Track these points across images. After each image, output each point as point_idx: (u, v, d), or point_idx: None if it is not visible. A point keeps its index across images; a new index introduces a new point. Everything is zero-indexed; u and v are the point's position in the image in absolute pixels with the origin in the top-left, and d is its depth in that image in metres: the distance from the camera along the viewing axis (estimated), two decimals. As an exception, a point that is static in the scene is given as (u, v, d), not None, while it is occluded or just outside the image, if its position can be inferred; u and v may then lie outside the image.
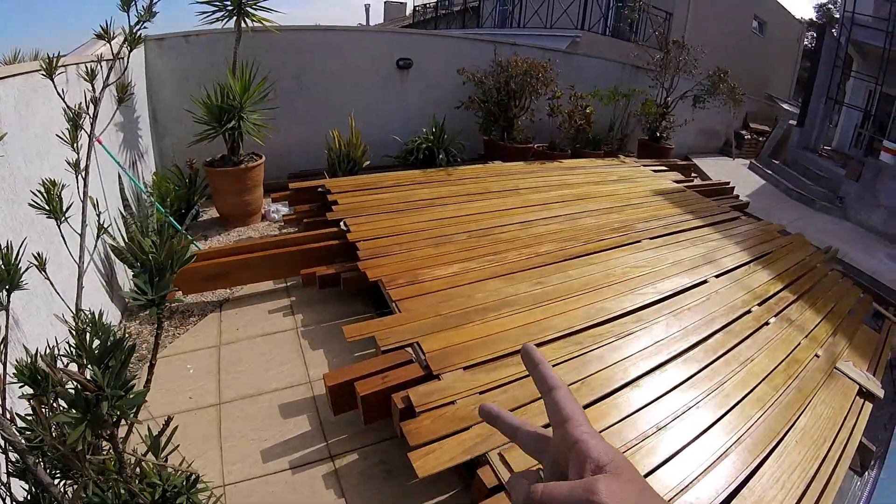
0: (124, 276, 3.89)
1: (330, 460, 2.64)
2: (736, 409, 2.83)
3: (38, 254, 1.50)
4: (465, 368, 2.76)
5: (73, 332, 0.98)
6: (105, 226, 1.91)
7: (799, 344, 3.61)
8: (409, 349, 2.91)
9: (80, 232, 1.73)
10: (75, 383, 0.85)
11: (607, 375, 2.91)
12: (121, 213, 3.78)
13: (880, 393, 3.40)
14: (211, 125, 5.21)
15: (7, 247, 1.20)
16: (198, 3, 5.23)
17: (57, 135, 1.85)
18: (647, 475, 2.28)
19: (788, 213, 8.81)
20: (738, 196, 7.73)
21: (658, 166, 7.97)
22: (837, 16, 12.47)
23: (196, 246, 4.60)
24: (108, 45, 2.07)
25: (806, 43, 23.64)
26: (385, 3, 28.57)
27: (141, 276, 0.97)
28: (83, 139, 1.90)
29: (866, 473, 3.16)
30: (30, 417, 1.06)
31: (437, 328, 3.10)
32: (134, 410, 0.84)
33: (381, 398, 2.56)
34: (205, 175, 5.37)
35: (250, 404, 2.99)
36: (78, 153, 1.84)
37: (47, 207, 1.51)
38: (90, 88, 2.05)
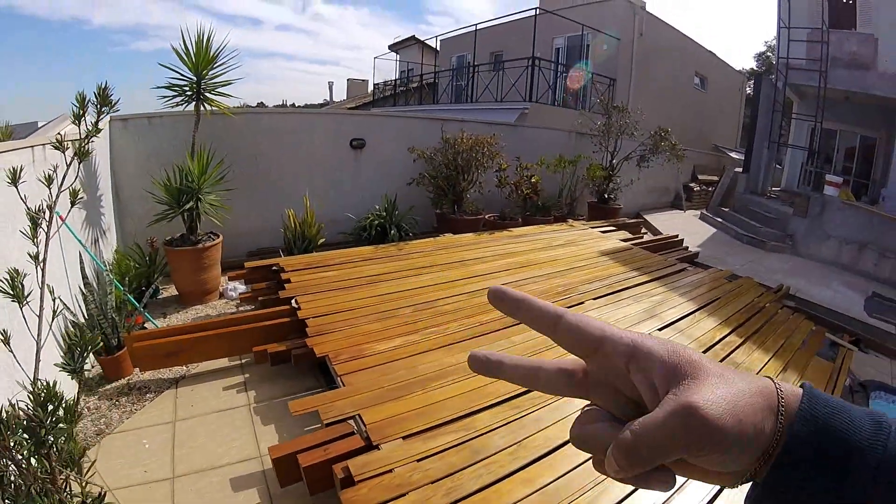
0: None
1: (278, 533, 2.76)
2: None
3: (3, 330, 1.69)
4: (403, 438, 2.94)
5: (30, 397, 1.19)
6: (58, 310, 2.10)
7: None
8: (351, 421, 3.08)
9: (38, 314, 1.92)
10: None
11: (546, 436, 3.05)
12: (81, 290, 3.94)
13: None
14: (170, 205, 5.44)
15: None
16: (159, 87, 5.55)
17: (20, 231, 2.06)
18: None
19: (740, 257, 9.23)
20: (687, 248, 8.14)
21: (606, 227, 8.39)
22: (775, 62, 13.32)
23: (153, 323, 4.74)
24: (62, 153, 2.31)
25: (748, 91, 25.00)
26: (348, 80, 29.64)
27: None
28: (39, 237, 2.12)
29: None
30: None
31: (378, 400, 3.28)
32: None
33: (323, 469, 2.71)
34: (164, 253, 5.55)
35: (202, 478, 3.10)
36: (37, 247, 2.06)
37: (12, 293, 1.71)
38: (48, 197, 2.28)
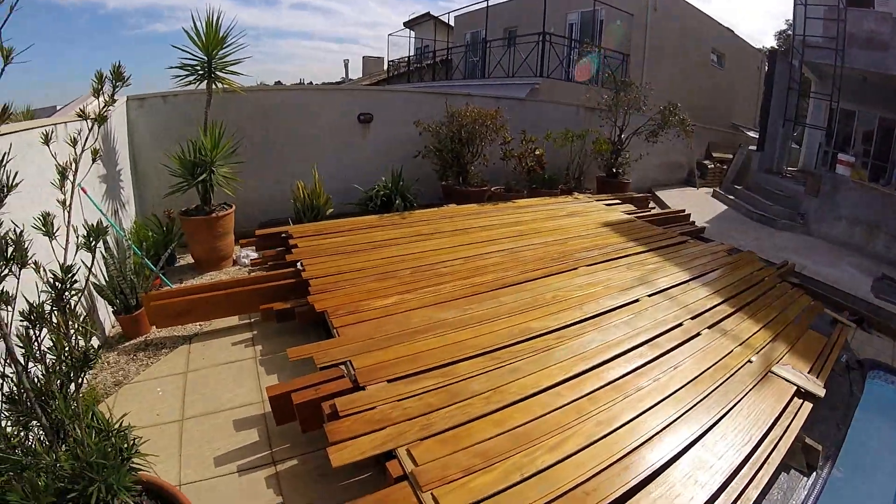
0: (105, 312, 4.39)
1: (273, 465, 3.05)
2: (650, 411, 3.10)
3: (36, 262, 2.00)
4: (388, 381, 3.24)
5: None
6: (80, 244, 2.40)
7: (731, 351, 3.90)
8: (343, 367, 3.40)
9: (64, 247, 2.24)
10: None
11: (522, 384, 3.29)
12: (102, 255, 4.29)
13: (820, 392, 3.60)
14: (185, 178, 5.77)
15: (17, 232, 1.69)
16: (172, 67, 5.86)
17: (51, 182, 2.38)
18: (546, 469, 2.61)
19: (749, 234, 9.20)
20: (693, 223, 8.23)
21: (612, 200, 8.51)
22: (796, 40, 13.05)
23: (169, 285, 5.09)
24: (85, 121, 2.61)
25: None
26: (363, 58, 29.86)
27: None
28: (67, 186, 2.43)
29: (815, 473, 3.26)
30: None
31: (369, 349, 3.59)
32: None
33: (313, 407, 3.03)
34: (180, 223, 5.90)
35: (208, 420, 3.44)
36: (65, 195, 2.37)
37: (44, 229, 2.02)
38: (73, 152, 2.60)
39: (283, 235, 5.84)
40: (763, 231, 9.81)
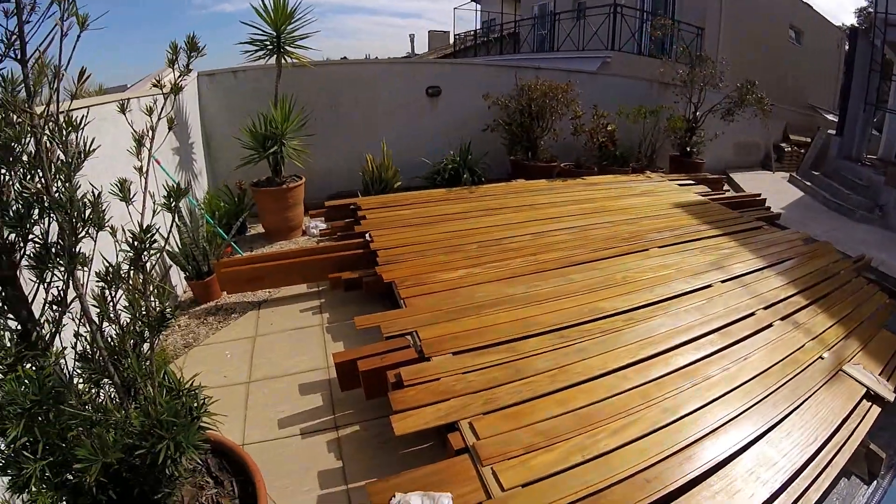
0: (177, 277, 4.55)
1: (335, 430, 3.10)
2: (718, 401, 2.96)
3: (112, 226, 2.05)
4: (453, 353, 3.21)
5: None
6: (157, 210, 2.47)
7: (803, 346, 3.65)
8: (409, 337, 3.39)
9: (140, 212, 2.30)
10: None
11: (588, 365, 3.19)
12: (176, 223, 4.43)
13: (890, 396, 3.33)
14: (256, 150, 5.90)
15: (95, 195, 1.73)
16: (242, 43, 5.96)
17: (127, 149, 2.44)
18: (607, 453, 2.54)
19: (824, 224, 8.62)
20: (769, 208, 7.81)
21: (686, 181, 8.15)
22: (878, 18, 12.07)
23: (239, 252, 5.22)
24: (160, 91, 2.65)
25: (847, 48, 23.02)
26: (429, 32, 29.61)
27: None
28: (144, 154, 2.49)
29: (875, 481, 3.02)
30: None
31: (435, 321, 3.57)
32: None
33: (378, 375, 3.04)
34: (252, 194, 6.04)
35: (274, 383, 3.52)
36: (141, 162, 2.43)
37: (121, 194, 2.07)
38: (149, 120, 2.66)
39: (352, 207, 5.89)
40: (839, 221, 9.14)
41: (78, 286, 1.55)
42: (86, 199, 1.63)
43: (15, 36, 1.31)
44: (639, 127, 9.16)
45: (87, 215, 1.60)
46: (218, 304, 4.59)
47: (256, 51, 5.97)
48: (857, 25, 26.44)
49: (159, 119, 2.69)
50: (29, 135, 1.44)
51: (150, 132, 2.58)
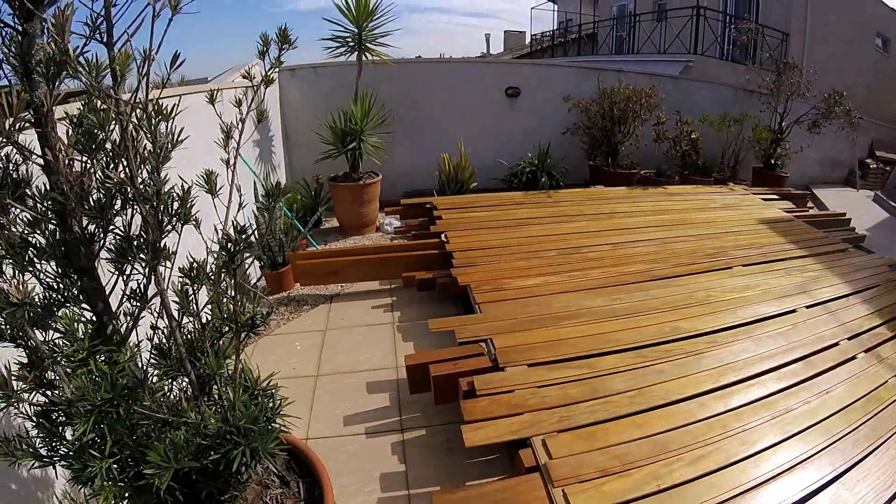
0: (252, 267, 4.63)
1: (400, 432, 3.04)
2: (797, 437, 2.79)
3: (196, 217, 2.04)
4: (528, 365, 3.08)
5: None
6: (244, 204, 2.46)
7: (886, 382, 3.39)
8: (483, 344, 3.29)
9: (226, 205, 2.28)
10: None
11: (666, 388, 3.02)
12: (254, 213, 4.49)
13: None
14: (335, 145, 5.95)
15: (184, 188, 1.70)
16: (324, 39, 6.04)
17: (214, 141, 2.44)
18: (682, 483, 2.39)
19: None
20: (853, 228, 7.36)
21: (770, 195, 7.75)
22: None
23: (315, 246, 5.25)
24: (250, 83, 2.63)
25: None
26: (505, 32, 29.34)
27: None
28: (231, 146, 2.48)
29: None
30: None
31: (511, 329, 3.45)
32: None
33: (450, 381, 2.94)
34: (328, 188, 6.09)
35: (342, 379, 3.50)
36: (228, 154, 2.42)
37: (207, 186, 2.05)
38: (237, 112, 2.65)
39: (428, 206, 5.84)
40: (927, 248, 8.50)
41: (160, 281, 1.51)
42: (173, 192, 1.59)
43: (101, 17, 1.27)
44: (721, 136, 8.72)
45: (173, 209, 1.56)
46: (290, 294, 4.64)
47: (338, 47, 6.03)
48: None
49: (248, 111, 2.68)
50: (114, 122, 1.40)
51: (240, 124, 2.57)
